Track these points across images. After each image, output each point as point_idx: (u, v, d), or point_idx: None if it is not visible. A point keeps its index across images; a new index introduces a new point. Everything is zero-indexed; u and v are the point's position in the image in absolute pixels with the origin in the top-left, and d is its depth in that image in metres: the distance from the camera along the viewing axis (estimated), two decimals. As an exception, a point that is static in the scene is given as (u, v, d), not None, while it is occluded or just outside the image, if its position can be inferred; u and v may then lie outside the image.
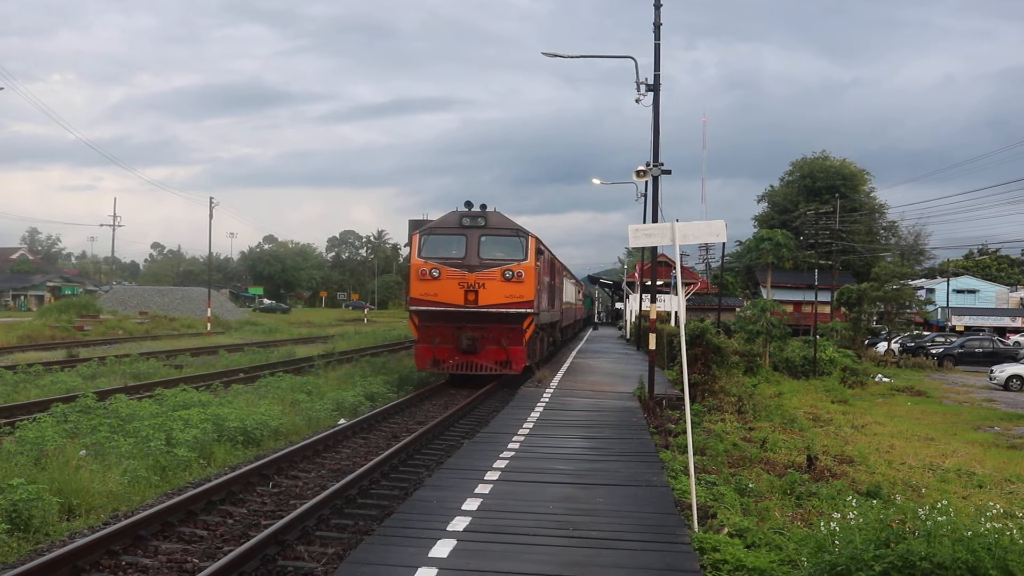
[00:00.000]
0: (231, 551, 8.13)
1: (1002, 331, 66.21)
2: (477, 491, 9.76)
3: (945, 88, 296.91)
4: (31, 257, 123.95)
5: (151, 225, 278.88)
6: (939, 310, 74.03)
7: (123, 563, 8.12)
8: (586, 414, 16.70)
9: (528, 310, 21.84)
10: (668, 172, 19.56)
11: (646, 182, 25.23)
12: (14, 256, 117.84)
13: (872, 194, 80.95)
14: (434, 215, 24.50)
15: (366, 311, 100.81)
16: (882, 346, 51.25)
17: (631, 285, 55.94)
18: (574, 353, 35.47)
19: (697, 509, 8.97)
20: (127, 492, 10.56)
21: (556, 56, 21.29)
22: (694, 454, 9.95)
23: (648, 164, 19.60)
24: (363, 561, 7.27)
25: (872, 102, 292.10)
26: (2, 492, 9.08)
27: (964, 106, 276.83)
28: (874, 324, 54.13)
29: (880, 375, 38.37)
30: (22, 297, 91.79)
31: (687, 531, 8.37)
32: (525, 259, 21.94)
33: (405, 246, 26.61)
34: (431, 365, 22.47)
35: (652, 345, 19.46)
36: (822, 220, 56.31)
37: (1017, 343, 54.95)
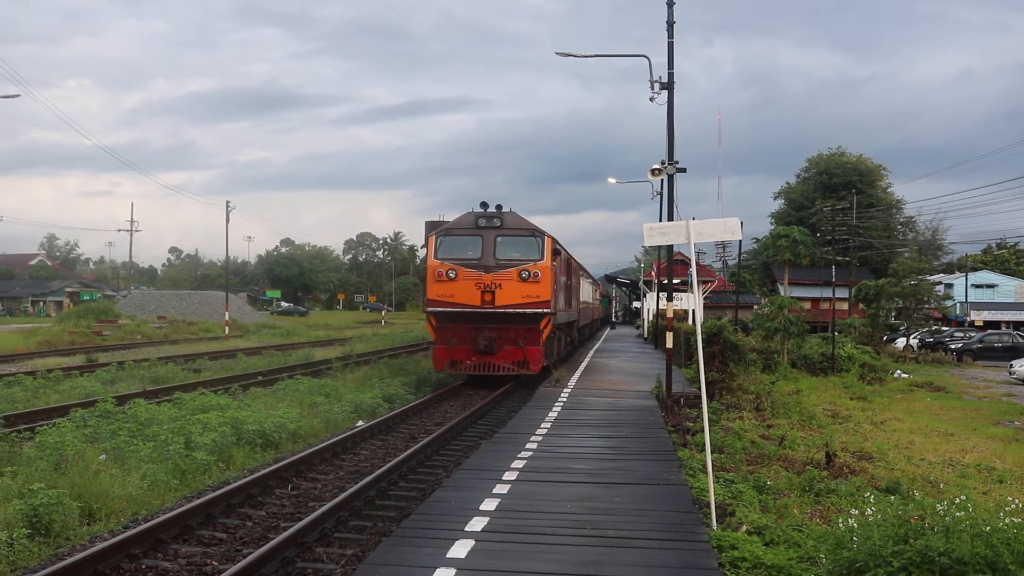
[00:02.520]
0: (250, 553, 8.16)
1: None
2: (495, 491, 9.77)
3: (962, 82, 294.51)
4: (49, 263, 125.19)
5: (168, 230, 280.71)
6: (957, 305, 73.52)
7: (143, 567, 8.18)
8: (604, 413, 16.68)
9: (545, 310, 21.83)
10: (683, 170, 19.51)
11: (661, 180, 25.16)
12: (33, 262, 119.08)
13: (889, 190, 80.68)
14: (450, 216, 24.49)
15: (383, 313, 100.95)
16: (900, 342, 50.91)
17: (648, 284, 55.78)
18: (592, 352, 35.47)
19: (715, 507, 8.95)
20: (147, 496, 10.62)
21: (570, 56, 21.26)
22: (712, 452, 9.92)
23: (663, 162, 19.54)
24: (381, 562, 7.30)
25: (889, 97, 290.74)
26: (23, 497, 9.18)
27: (981, 99, 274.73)
28: (892, 320, 53.78)
29: (899, 371, 38.12)
30: (41, 303, 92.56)
31: (705, 529, 8.35)
32: (541, 259, 21.94)
33: (422, 247, 26.71)
34: (448, 366, 22.49)
35: (669, 344, 19.41)
36: (839, 216, 56.06)
37: None
